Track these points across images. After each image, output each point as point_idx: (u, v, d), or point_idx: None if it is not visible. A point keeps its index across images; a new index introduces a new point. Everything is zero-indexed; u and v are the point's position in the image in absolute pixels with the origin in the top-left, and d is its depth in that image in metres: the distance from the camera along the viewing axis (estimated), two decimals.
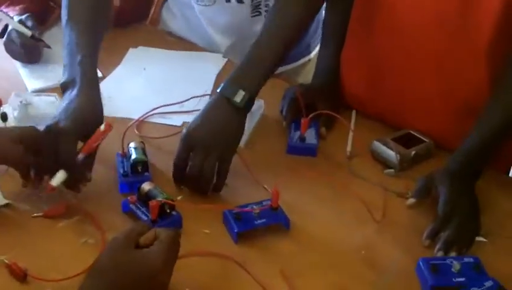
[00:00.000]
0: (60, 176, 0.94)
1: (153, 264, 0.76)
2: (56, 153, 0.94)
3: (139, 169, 1.02)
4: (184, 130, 1.04)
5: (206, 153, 1.00)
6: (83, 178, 0.98)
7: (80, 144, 0.98)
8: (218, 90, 1.07)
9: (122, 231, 0.81)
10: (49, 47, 1.36)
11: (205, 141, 1.01)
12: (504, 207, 1.05)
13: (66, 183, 0.96)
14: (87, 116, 0.99)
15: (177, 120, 1.21)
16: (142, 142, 1.08)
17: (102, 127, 0.97)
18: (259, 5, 1.41)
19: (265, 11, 1.42)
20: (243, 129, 1.08)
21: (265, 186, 1.03)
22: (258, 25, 1.44)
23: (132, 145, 1.05)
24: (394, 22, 1.14)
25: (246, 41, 1.41)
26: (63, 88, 1.03)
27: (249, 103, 1.06)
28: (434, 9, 1.08)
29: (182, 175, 1.02)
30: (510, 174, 1.27)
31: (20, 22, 1.36)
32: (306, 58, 1.56)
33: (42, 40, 1.36)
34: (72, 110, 0.98)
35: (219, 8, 1.40)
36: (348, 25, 1.23)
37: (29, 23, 1.36)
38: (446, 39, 1.08)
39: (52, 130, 0.96)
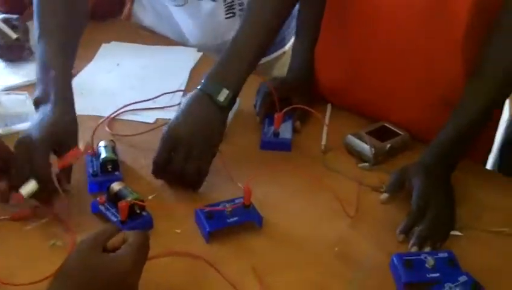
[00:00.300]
0: (30, 186, 0.91)
1: (121, 268, 0.74)
2: (29, 163, 0.91)
3: (109, 168, 1.00)
4: (165, 128, 1.02)
5: (188, 152, 0.99)
6: (54, 191, 0.94)
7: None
8: (199, 87, 1.05)
9: (89, 234, 0.79)
10: (32, 52, 1.32)
11: (187, 139, 0.99)
12: (480, 199, 1.04)
13: (37, 195, 0.92)
14: (61, 129, 0.96)
15: (149, 117, 1.19)
16: (112, 140, 1.06)
17: (81, 146, 0.96)
18: (233, 5, 1.39)
19: (240, 10, 1.41)
20: (225, 127, 1.06)
21: (239, 184, 1.02)
22: (233, 26, 1.43)
23: (102, 143, 1.03)
24: (369, 13, 1.13)
25: (222, 43, 1.40)
26: (36, 103, 0.99)
27: (232, 102, 1.05)
28: (409, 1, 1.07)
29: (162, 173, 1.00)
30: (487, 166, 1.27)
31: (6, 21, 1.34)
32: (280, 51, 1.55)
33: (27, 48, 1.33)
34: (46, 123, 0.95)
35: (191, 9, 1.38)
36: (322, 18, 1.21)
37: (15, 23, 1.34)
38: (421, 30, 1.07)
39: (25, 141, 0.92)
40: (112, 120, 1.17)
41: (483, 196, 1.05)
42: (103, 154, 1.01)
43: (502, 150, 1.34)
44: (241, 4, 1.41)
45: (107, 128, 1.14)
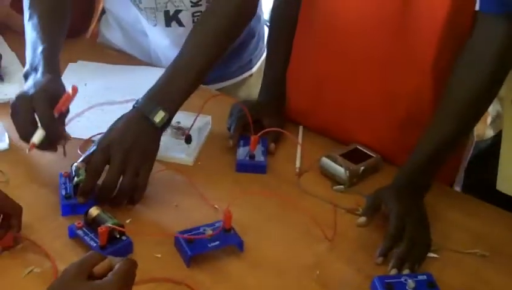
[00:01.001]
0: (40, 133, 1.01)
1: None
2: (31, 113, 1.01)
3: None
4: (96, 142, 1.02)
5: (123, 167, 0.98)
6: (60, 135, 1.05)
7: None
8: (135, 105, 1.05)
9: (74, 261, 0.77)
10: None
11: (122, 150, 0.99)
12: (450, 219, 1.07)
13: (43, 144, 1.02)
14: (53, 87, 1.05)
15: None
16: (86, 162, 1.04)
17: (69, 90, 1.06)
18: None
19: None
20: (159, 145, 1.06)
21: (216, 206, 1.02)
22: None
23: (75, 166, 1.01)
24: (338, 34, 1.15)
25: None
26: (26, 76, 1.09)
27: (167, 123, 1.06)
28: (377, 19, 1.09)
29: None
30: (455, 187, 1.30)
31: None
32: (247, 74, 1.55)
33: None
34: (39, 83, 1.04)
35: (160, 31, 1.38)
36: (293, 41, 1.23)
37: None
38: (391, 52, 1.10)
39: (24, 95, 1.03)
40: (84, 142, 1.15)
41: (453, 216, 1.08)
42: (77, 177, 0.99)
43: (467, 170, 1.38)
44: None
45: (79, 152, 1.11)
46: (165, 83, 1.07)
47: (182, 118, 1.16)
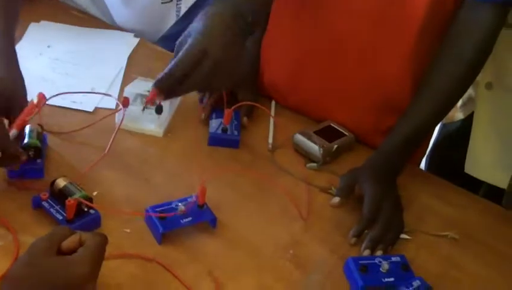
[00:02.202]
0: None
1: (79, 272, 0.70)
2: None
3: (31, 154, 0.93)
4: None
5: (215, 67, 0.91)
6: (17, 155, 0.89)
7: None
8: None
9: (42, 236, 0.73)
10: None
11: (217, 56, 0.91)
12: (422, 202, 1.07)
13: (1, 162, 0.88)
14: (8, 86, 0.93)
15: (88, 105, 1.12)
16: (40, 125, 0.98)
17: (35, 99, 0.94)
18: None
19: None
20: None
21: (190, 182, 0.98)
22: (169, 12, 1.39)
23: (27, 128, 0.96)
24: (319, 11, 1.11)
25: (156, 28, 1.34)
26: None
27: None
28: (360, 2, 1.07)
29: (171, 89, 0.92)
30: (421, 166, 1.30)
31: None
32: None
33: None
34: None
35: None
36: (271, 12, 1.19)
37: None
38: (372, 34, 1.07)
39: None
40: (47, 108, 1.09)
41: (424, 199, 1.08)
42: (26, 139, 0.94)
43: (432, 151, 1.39)
44: None
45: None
46: None
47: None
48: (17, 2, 1.07)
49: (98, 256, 0.73)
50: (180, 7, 1.44)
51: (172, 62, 0.90)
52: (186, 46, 0.91)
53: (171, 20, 1.44)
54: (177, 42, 0.94)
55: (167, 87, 0.91)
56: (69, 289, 0.69)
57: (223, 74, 0.93)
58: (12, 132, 0.92)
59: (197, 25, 0.92)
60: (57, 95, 1.06)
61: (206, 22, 0.91)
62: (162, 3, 1.40)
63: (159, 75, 0.91)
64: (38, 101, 0.95)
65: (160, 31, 1.44)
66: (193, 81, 0.91)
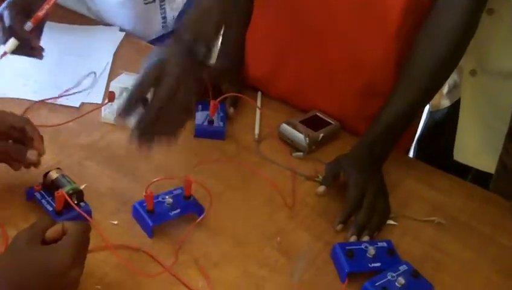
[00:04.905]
0: (11, 42, 1.05)
1: (63, 260, 0.70)
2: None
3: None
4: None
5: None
6: (33, 46, 1.07)
7: None
8: None
9: (25, 227, 0.74)
10: None
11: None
12: (408, 188, 1.08)
13: (19, 49, 1.06)
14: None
15: (74, 101, 1.13)
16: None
17: None
18: None
19: None
20: None
21: (174, 173, 0.99)
22: (154, 13, 1.40)
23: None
24: (299, 0, 1.12)
25: (143, 28, 1.36)
26: None
27: None
28: None
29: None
30: (410, 155, 1.31)
31: None
32: None
33: None
34: None
35: None
36: (254, 3, 1.19)
37: None
38: (354, 21, 1.08)
39: None
40: (34, 104, 1.10)
41: (409, 184, 1.09)
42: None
43: (420, 139, 1.40)
44: None
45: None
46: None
47: None
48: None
49: (81, 243, 0.74)
50: (164, 8, 1.44)
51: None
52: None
53: (157, 22, 1.45)
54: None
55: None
56: (53, 276, 0.70)
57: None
58: (27, 25, 1.06)
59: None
60: (45, 99, 1.11)
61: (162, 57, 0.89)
62: (145, 3, 1.40)
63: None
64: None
65: (148, 33, 1.44)
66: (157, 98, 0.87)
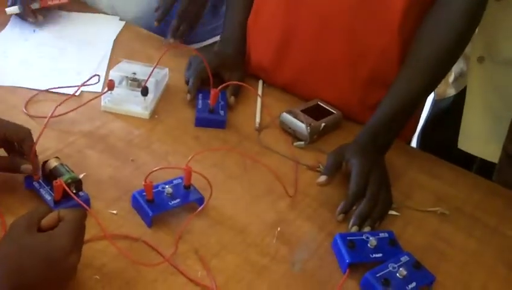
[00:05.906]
0: (14, 8, 1.22)
1: (60, 246, 0.70)
2: None
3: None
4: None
5: None
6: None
7: None
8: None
9: (21, 215, 0.73)
10: None
11: None
12: (411, 178, 1.06)
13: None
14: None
15: (74, 90, 1.11)
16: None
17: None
18: None
19: None
20: None
21: (175, 163, 0.98)
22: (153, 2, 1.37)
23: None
24: None
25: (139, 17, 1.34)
26: None
27: None
28: None
29: None
30: (413, 144, 1.30)
31: None
32: (211, 40, 1.50)
33: None
34: None
35: None
36: None
37: None
38: (357, 8, 1.06)
39: None
40: (35, 93, 1.09)
41: (412, 175, 1.07)
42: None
43: (424, 129, 1.38)
44: None
45: (24, 109, 1.05)
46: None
47: (138, 69, 1.10)
48: None
49: (78, 229, 0.73)
50: None
51: None
52: None
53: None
54: None
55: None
56: (52, 262, 0.69)
57: None
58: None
59: None
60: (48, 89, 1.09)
61: None
62: None
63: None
64: None
65: (142, 19, 1.41)
66: None
